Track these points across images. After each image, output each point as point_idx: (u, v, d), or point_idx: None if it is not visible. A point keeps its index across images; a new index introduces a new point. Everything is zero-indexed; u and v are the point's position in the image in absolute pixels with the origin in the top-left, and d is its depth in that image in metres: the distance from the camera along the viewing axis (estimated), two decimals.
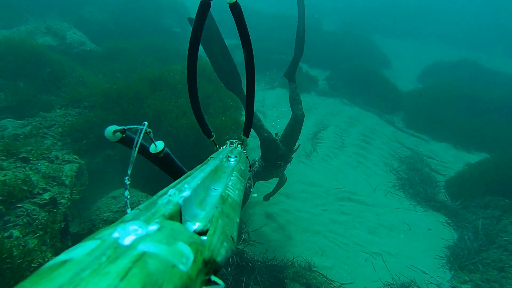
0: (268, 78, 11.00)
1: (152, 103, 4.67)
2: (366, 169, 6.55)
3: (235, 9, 1.10)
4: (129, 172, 0.79)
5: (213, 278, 0.47)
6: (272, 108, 8.88)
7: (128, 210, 0.66)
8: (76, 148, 4.06)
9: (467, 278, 3.81)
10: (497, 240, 4.25)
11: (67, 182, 3.17)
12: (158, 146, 0.96)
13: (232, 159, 1.26)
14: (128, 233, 0.41)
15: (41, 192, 2.88)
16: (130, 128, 0.89)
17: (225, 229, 0.61)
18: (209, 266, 0.47)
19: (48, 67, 5.42)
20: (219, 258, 0.51)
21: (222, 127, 4.78)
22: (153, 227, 0.44)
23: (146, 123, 0.87)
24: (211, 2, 1.02)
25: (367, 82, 11.06)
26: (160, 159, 0.99)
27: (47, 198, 2.84)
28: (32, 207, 2.73)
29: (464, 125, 8.03)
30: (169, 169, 1.06)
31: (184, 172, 1.07)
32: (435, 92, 9.54)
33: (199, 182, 0.74)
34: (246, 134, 1.60)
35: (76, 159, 3.63)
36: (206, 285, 0.44)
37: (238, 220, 0.76)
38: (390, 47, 19.36)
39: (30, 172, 3.10)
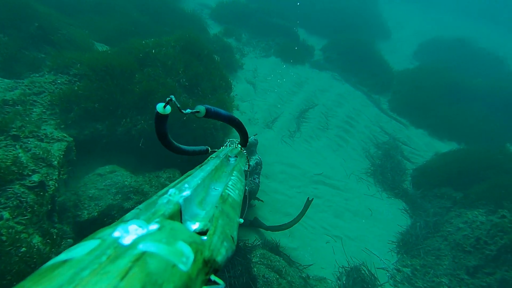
0: (264, 43, 10.67)
1: (140, 80, 4.68)
2: (344, 153, 6.99)
3: (210, 114, 1.16)
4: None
5: (213, 277, 0.48)
6: (263, 80, 8.85)
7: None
8: (64, 119, 4.14)
9: (409, 262, 4.54)
10: (442, 230, 4.94)
11: (55, 163, 3.30)
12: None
13: (232, 159, 1.31)
14: (128, 232, 0.42)
15: (30, 173, 3.02)
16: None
17: (225, 228, 0.62)
18: (209, 266, 0.47)
19: (36, 20, 5.16)
20: (219, 258, 0.52)
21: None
22: (153, 227, 0.45)
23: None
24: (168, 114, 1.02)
25: (362, 57, 10.95)
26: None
27: (36, 180, 2.98)
28: (22, 190, 2.88)
29: (439, 113, 8.37)
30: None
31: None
32: (422, 76, 9.66)
33: (199, 182, 0.75)
34: (244, 144, 1.66)
35: (65, 137, 3.72)
36: (206, 284, 0.46)
37: (238, 219, 0.77)
38: (394, 13, 18.55)
39: (20, 151, 3.26)
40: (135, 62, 5.06)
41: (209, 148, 1.51)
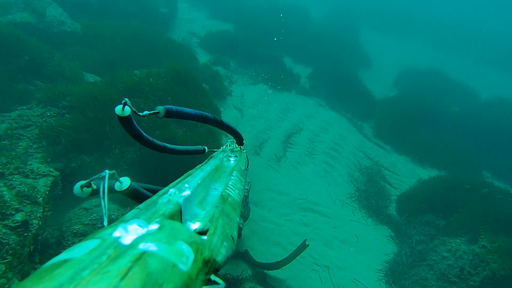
0: (252, 71, 11.03)
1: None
2: (331, 179, 7.12)
3: (172, 113, 1.12)
4: (105, 224, 0.78)
5: (213, 277, 0.48)
6: (251, 106, 9.07)
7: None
8: (51, 152, 4.10)
9: None
10: (428, 258, 5.02)
11: (40, 200, 3.24)
12: (123, 183, 0.98)
13: (232, 159, 1.31)
14: (128, 232, 0.42)
15: (13, 212, 2.91)
16: (94, 179, 0.91)
17: (225, 228, 0.62)
18: (210, 266, 0.47)
19: (26, 54, 5.20)
20: (219, 258, 0.52)
21: (199, 140, 4.98)
22: (153, 227, 0.45)
23: (107, 171, 0.89)
24: (130, 115, 1.03)
25: (345, 85, 11.46)
26: (128, 194, 1.01)
27: (19, 220, 2.88)
28: (4, 230, 2.76)
29: (421, 140, 8.78)
30: (138, 200, 1.08)
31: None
32: (402, 104, 10.18)
33: (199, 182, 0.77)
34: (241, 143, 1.63)
35: (51, 171, 3.69)
36: (206, 284, 0.46)
37: (238, 219, 0.76)
38: (374, 43, 19.67)
39: (4, 189, 3.18)
40: (125, 93, 5.12)
41: (206, 148, 1.50)
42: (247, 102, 9.22)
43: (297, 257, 4.81)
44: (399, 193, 7.08)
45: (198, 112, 1.22)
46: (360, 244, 5.48)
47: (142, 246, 0.38)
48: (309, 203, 6.10)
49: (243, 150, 1.63)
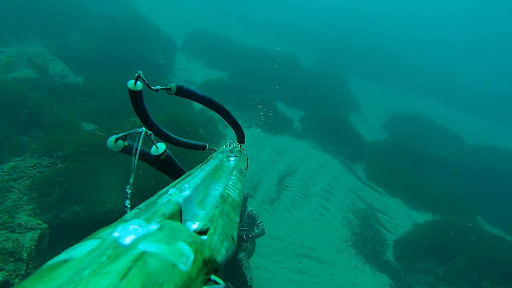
0: (246, 115, 11.46)
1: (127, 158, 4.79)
2: (326, 222, 7.04)
3: (182, 92, 1.15)
4: (131, 181, 0.78)
5: (213, 277, 0.48)
6: (247, 148, 9.23)
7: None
8: (41, 203, 4.05)
9: None
10: None
11: (24, 256, 3.11)
12: (159, 148, 0.95)
13: (232, 159, 1.30)
14: (128, 232, 0.42)
15: None
16: (130, 133, 0.87)
17: (225, 228, 0.62)
18: (209, 266, 0.47)
19: (26, 107, 5.40)
20: (219, 258, 0.52)
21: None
22: (153, 227, 0.45)
23: (144, 128, 0.85)
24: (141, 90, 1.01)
25: (336, 128, 11.91)
26: (161, 161, 0.98)
27: (0, 280, 2.80)
28: None
29: (413, 183, 8.93)
30: (170, 171, 1.05)
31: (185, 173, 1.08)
32: (391, 147, 10.55)
33: (199, 182, 0.76)
34: (241, 141, 1.65)
35: (39, 224, 3.56)
36: (206, 284, 0.45)
37: (238, 219, 0.75)
38: (362, 90, 20.88)
39: None
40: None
41: (207, 145, 1.51)
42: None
43: None
44: (395, 237, 6.98)
45: (207, 96, 1.26)
46: None
47: (142, 246, 0.39)
48: (304, 249, 5.94)
49: (243, 150, 1.65)
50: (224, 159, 1.20)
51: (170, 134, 1.26)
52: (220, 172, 1.03)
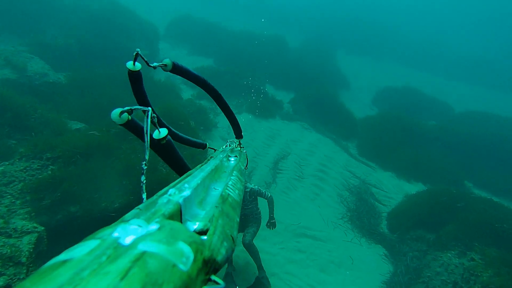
0: (235, 102, 11.37)
1: (121, 157, 4.76)
2: (321, 201, 7.21)
3: (177, 69, 1.18)
4: (146, 157, 0.78)
5: (213, 277, 0.48)
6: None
7: (144, 196, 0.69)
8: (36, 206, 4.06)
9: None
10: (422, 275, 5.06)
11: (24, 259, 3.15)
12: (161, 132, 0.94)
13: (232, 159, 1.30)
14: (128, 232, 0.42)
15: None
16: (136, 109, 0.86)
17: (225, 228, 0.62)
18: (209, 266, 0.47)
19: (9, 110, 5.27)
20: (219, 258, 0.52)
21: None
22: (153, 227, 0.45)
23: (150, 108, 0.84)
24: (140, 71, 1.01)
25: (327, 107, 11.93)
26: (162, 146, 0.96)
27: (1, 285, 2.86)
28: None
29: (403, 155, 9.11)
30: (169, 158, 1.03)
31: (184, 163, 1.06)
32: (383, 122, 10.64)
33: (199, 182, 0.76)
34: (239, 136, 1.66)
35: (36, 227, 3.57)
36: (206, 284, 0.46)
37: (238, 219, 0.76)
38: (351, 65, 20.73)
39: None
40: (119, 136, 5.19)
41: (207, 144, 1.51)
42: (231, 132, 9.40)
43: (295, 287, 4.77)
44: (388, 210, 7.20)
45: (201, 77, 1.27)
46: (355, 266, 5.48)
47: (142, 246, 0.39)
48: (302, 229, 6.12)
49: (243, 150, 1.65)
50: (224, 159, 1.20)
51: (171, 128, 1.25)
52: (220, 172, 1.04)
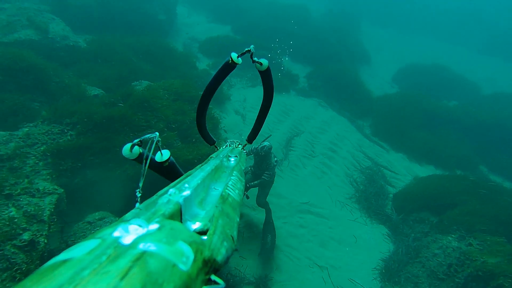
0: (250, 74, 11.17)
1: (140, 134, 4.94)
2: (329, 180, 7.30)
3: (265, 74, 1.35)
4: (140, 185, 0.79)
5: (213, 277, 0.48)
6: (251, 110, 9.25)
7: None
8: (56, 169, 4.38)
9: None
10: (420, 255, 5.20)
11: (46, 218, 3.46)
12: (164, 155, 0.96)
13: (232, 159, 1.31)
14: (128, 232, 0.42)
15: (21, 232, 3.17)
16: (145, 138, 0.88)
17: (225, 228, 0.62)
18: (210, 266, 0.47)
19: (32, 73, 5.50)
20: (219, 258, 0.52)
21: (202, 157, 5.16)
22: (154, 226, 0.45)
23: (157, 133, 0.86)
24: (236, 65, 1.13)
25: (344, 84, 11.54)
26: (164, 168, 0.99)
27: (27, 239, 3.14)
28: (12, 250, 3.02)
29: (418, 137, 8.87)
30: (171, 177, 1.06)
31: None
32: (399, 102, 10.26)
33: (199, 182, 0.76)
34: (250, 140, 1.75)
35: (56, 189, 3.85)
36: (206, 284, 0.46)
37: (238, 219, 0.77)
38: (375, 38, 19.59)
39: (13, 210, 3.40)
40: (135, 106, 5.31)
41: (215, 142, 1.62)
42: (248, 106, 9.40)
43: (294, 259, 5.06)
44: (395, 191, 7.22)
45: (273, 89, 1.48)
46: (356, 244, 5.67)
47: (142, 246, 0.39)
48: (306, 205, 6.30)
49: (244, 150, 1.68)
50: (224, 159, 1.23)
51: (204, 120, 1.37)
52: (220, 172, 1.05)
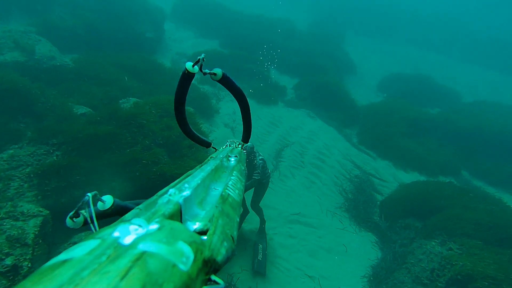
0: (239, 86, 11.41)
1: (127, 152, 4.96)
2: (317, 189, 7.41)
3: (224, 81, 1.26)
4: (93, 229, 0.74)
5: (213, 277, 0.48)
6: (240, 123, 9.40)
7: None
8: (42, 190, 4.37)
9: None
10: (406, 261, 5.30)
11: (30, 241, 3.42)
12: (106, 202, 0.90)
13: (232, 159, 1.30)
14: (128, 232, 0.42)
15: (3, 257, 3.13)
16: (80, 205, 0.80)
17: (225, 228, 0.62)
18: (209, 266, 0.47)
19: (18, 94, 5.52)
20: (219, 258, 0.52)
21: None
22: (153, 227, 0.45)
23: (89, 194, 0.80)
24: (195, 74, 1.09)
25: (331, 94, 11.85)
26: (115, 211, 0.93)
27: (9, 264, 3.11)
28: None
29: (402, 144, 9.14)
30: (120, 215, 1.05)
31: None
32: (385, 110, 10.58)
33: (199, 182, 0.76)
34: (245, 140, 1.69)
35: (41, 211, 3.80)
36: (206, 284, 0.46)
37: (238, 219, 0.77)
38: (359, 47, 20.19)
39: None
40: (122, 125, 5.37)
41: (212, 144, 1.60)
42: (238, 119, 9.54)
43: (284, 270, 5.09)
44: (381, 198, 7.37)
45: (241, 91, 1.35)
46: (345, 252, 5.75)
47: (142, 246, 0.39)
48: (295, 215, 6.38)
49: (244, 150, 1.68)
50: (224, 159, 1.23)
51: (187, 122, 1.33)
52: (220, 172, 1.05)
